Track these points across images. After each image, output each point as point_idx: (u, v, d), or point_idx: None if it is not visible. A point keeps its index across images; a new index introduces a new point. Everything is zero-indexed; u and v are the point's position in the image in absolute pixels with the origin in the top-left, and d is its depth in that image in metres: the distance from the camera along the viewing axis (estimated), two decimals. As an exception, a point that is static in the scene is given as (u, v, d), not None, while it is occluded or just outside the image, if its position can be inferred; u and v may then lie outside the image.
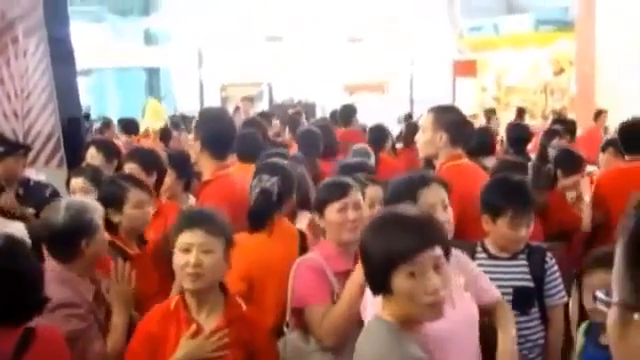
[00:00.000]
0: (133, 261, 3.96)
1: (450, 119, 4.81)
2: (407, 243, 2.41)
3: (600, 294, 1.34)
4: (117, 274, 3.70)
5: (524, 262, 4.01)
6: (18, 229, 4.56)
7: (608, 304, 1.32)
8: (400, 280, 2.40)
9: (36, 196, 5.64)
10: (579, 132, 11.27)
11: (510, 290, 3.90)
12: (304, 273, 3.70)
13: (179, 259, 3.20)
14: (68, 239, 3.61)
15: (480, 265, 3.88)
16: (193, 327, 3.18)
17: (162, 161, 5.37)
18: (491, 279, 3.72)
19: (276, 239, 4.10)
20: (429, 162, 5.43)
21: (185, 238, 3.21)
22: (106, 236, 4.05)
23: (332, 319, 3.56)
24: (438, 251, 2.44)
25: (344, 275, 3.63)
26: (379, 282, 2.47)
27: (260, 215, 4.14)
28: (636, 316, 1.24)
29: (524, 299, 3.93)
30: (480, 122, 14.73)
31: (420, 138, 4.91)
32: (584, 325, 3.57)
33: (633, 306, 1.25)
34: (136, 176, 4.77)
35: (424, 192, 3.40)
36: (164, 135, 12.27)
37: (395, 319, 2.47)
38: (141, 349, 3.23)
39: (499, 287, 3.78)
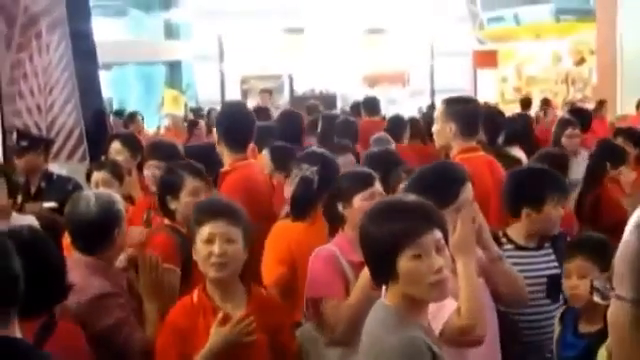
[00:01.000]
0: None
1: (459, 110, 4.80)
2: (411, 226, 2.52)
3: (599, 285, 1.32)
4: (145, 265, 3.74)
5: (550, 250, 4.04)
6: (31, 222, 4.62)
7: (606, 297, 1.29)
8: (405, 262, 2.49)
9: (59, 190, 5.70)
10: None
11: (544, 280, 3.92)
12: (319, 265, 3.72)
13: (202, 250, 3.27)
14: (102, 229, 3.67)
15: (508, 257, 3.87)
16: (221, 314, 3.23)
17: (182, 155, 5.40)
18: (520, 270, 3.76)
19: (318, 228, 4.10)
20: (447, 154, 5.45)
21: (208, 229, 3.27)
22: (165, 221, 4.28)
23: (345, 313, 3.58)
24: (438, 234, 2.54)
25: (361, 266, 3.66)
26: (385, 267, 2.54)
27: (300, 203, 4.19)
28: None
29: (556, 287, 3.91)
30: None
31: (434, 129, 4.96)
32: (560, 311, 3.61)
33: None
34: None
35: (464, 189, 3.49)
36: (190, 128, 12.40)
37: (396, 304, 2.54)
38: (171, 342, 3.27)
39: (530, 277, 3.84)
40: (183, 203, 4.19)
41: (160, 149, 5.37)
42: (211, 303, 3.29)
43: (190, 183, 4.22)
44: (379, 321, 2.58)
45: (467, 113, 4.84)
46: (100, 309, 3.49)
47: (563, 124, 7.43)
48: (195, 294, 3.33)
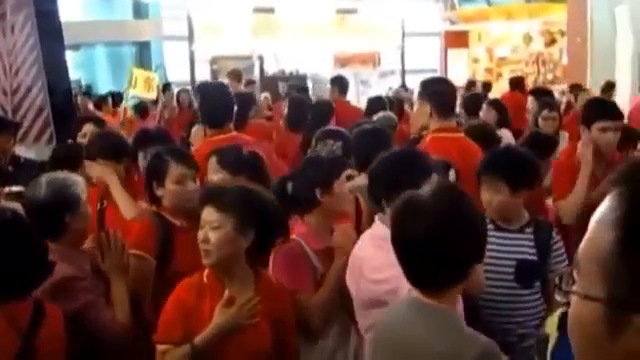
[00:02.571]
0: (177, 235, 3.95)
1: (433, 90, 4.93)
2: None
3: (564, 284, 1.26)
4: (110, 244, 3.70)
5: (530, 236, 4.02)
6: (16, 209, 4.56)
7: (567, 295, 1.24)
8: None
9: (26, 174, 5.58)
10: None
11: (513, 263, 3.93)
12: (286, 258, 3.70)
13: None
14: (51, 214, 3.61)
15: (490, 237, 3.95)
16: (226, 294, 3.23)
17: (130, 148, 5.27)
18: (497, 251, 3.83)
19: None
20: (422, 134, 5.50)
21: (202, 215, 3.29)
22: (144, 206, 4.30)
23: (318, 306, 3.61)
24: None
25: (324, 252, 3.69)
26: (478, 249, 2.57)
27: None
28: (637, 319, 1.12)
29: (527, 273, 3.95)
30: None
31: (415, 110, 5.05)
32: (557, 315, 3.44)
33: (628, 303, 1.13)
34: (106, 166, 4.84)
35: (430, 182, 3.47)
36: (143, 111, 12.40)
37: (450, 306, 2.51)
38: (176, 317, 3.28)
39: (502, 259, 3.89)
40: (168, 191, 4.09)
41: (106, 145, 5.10)
42: (220, 285, 3.28)
43: (174, 170, 4.09)
44: (443, 330, 2.46)
45: (441, 93, 4.95)
46: (64, 293, 3.47)
47: (540, 107, 7.44)
48: (205, 274, 3.33)
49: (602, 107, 5.28)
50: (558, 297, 1.28)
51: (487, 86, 17.13)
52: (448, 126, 4.90)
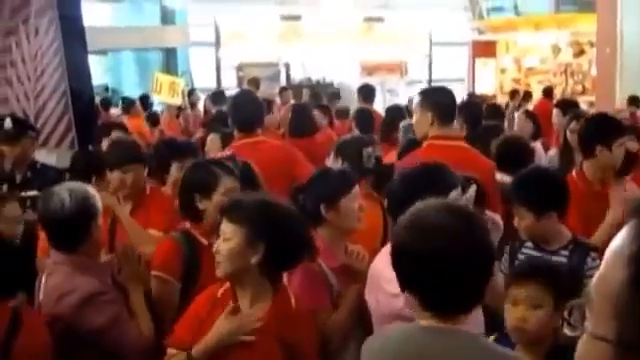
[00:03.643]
0: (205, 254, 3.77)
1: (436, 100, 4.92)
2: None
3: (573, 320, 1.20)
4: (124, 255, 3.72)
5: (563, 259, 3.93)
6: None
7: (576, 329, 1.19)
8: None
9: (41, 179, 5.56)
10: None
11: None
12: (303, 276, 3.60)
13: None
14: (80, 224, 3.59)
15: (523, 254, 4.00)
16: (231, 305, 3.16)
17: (146, 156, 5.18)
18: None
19: (371, 204, 4.26)
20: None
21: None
22: (157, 234, 4.38)
23: (337, 325, 3.57)
24: None
25: (339, 271, 3.64)
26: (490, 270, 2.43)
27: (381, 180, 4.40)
28: None
29: None
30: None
31: (413, 120, 5.13)
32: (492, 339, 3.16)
33: (638, 346, 1.09)
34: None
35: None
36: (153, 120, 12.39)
37: (466, 324, 2.38)
38: (188, 324, 3.28)
39: None
40: (215, 202, 3.85)
41: (123, 152, 5.05)
42: (233, 299, 3.21)
43: (225, 184, 3.92)
44: (479, 352, 2.26)
45: (444, 103, 4.95)
46: (91, 309, 3.46)
47: (569, 119, 7.11)
48: (222, 288, 3.28)
49: (615, 123, 5.15)
50: (567, 331, 1.22)
51: (527, 96, 17.13)
52: (447, 134, 4.86)
